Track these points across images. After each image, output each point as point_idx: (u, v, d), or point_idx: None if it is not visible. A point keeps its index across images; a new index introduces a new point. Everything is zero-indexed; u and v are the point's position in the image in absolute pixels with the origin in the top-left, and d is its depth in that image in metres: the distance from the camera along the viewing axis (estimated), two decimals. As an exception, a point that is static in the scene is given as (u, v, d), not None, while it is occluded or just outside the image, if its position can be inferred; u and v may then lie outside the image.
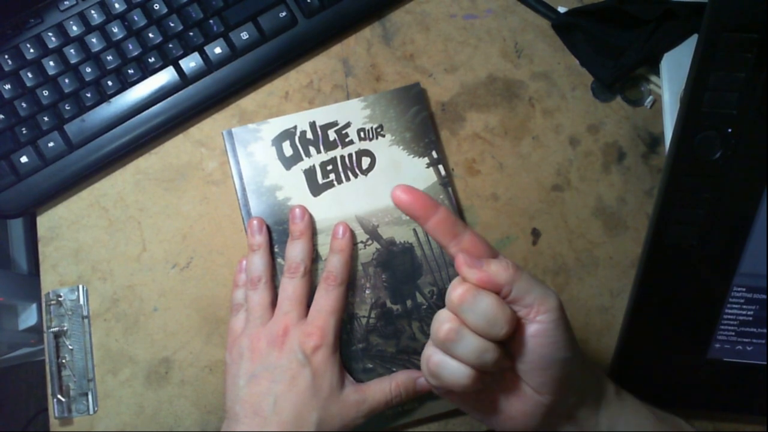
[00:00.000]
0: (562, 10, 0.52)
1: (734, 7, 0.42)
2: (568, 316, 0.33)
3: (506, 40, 0.53)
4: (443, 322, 0.32)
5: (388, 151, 0.49)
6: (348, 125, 0.49)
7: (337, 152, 0.49)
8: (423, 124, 0.49)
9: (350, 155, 0.48)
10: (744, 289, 0.44)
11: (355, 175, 0.48)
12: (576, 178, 0.50)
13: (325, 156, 0.48)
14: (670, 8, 0.49)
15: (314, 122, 0.49)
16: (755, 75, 0.42)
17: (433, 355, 0.33)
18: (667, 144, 0.49)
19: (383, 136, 0.49)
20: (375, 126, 0.49)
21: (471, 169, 0.50)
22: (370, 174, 0.48)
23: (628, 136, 0.51)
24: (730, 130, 0.43)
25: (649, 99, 0.51)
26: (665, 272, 0.45)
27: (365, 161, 0.48)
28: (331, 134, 0.49)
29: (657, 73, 0.51)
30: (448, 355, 0.32)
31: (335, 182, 0.48)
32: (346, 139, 0.49)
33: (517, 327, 0.32)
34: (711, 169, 0.43)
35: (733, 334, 0.44)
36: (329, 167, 0.48)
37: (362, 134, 0.49)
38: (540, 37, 0.53)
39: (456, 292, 0.31)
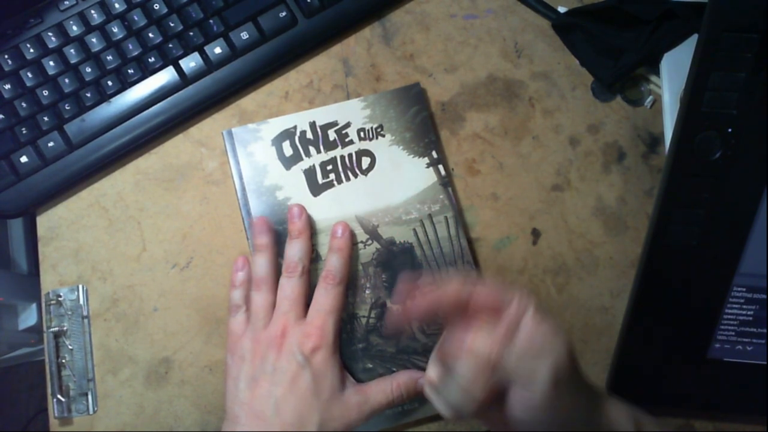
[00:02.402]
0: (562, 10, 0.52)
1: (734, 7, 0.42)
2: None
3: (506, 40, 0.53)
4: (429, 367, 0.35)
5: (388, 151, 0.49)
6: (348, 125, 0.49)
7: (337, 152, 0.49)
8: (423, 124, 0.49)
9: (350, 155, 0.48)
10: (744, 289, 0.44)
11: (355, 175, 0.48)
12: (576, 178, 0.50)
13: (325, 156, 0.48)
14: (670, 8, 0.49)
15: (314, 122, 0.49)
16: (755, 75, 0.42)
17: (424, 383, 0.36)
18: (667, 144, 0.49)
19: (383, 136, 0.49)
20: (375, 126, 0.49)
21: (471, 169, 0.50)
22: (370, 174, 0.48)
23: (628, 136, 0.51)
24: (730, 130, 0.43)
25: (649, 99, 0.51)
26: (665, 272, 0.45)
27: (365, 161, 0.48)
28: (331, 134, 0.49)
29: (657, 73, 0.51)
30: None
31: (335, 182, 0.48)
32: (346, 139, 0.49)
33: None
34: (711, 169, 0.43)
35: (733, 334, 0.44)
36: (329, 167, 0.48)
37: (362, 134, 0.49)
38: (540, 37, 0.53)
39: (429, 373, 0.33)
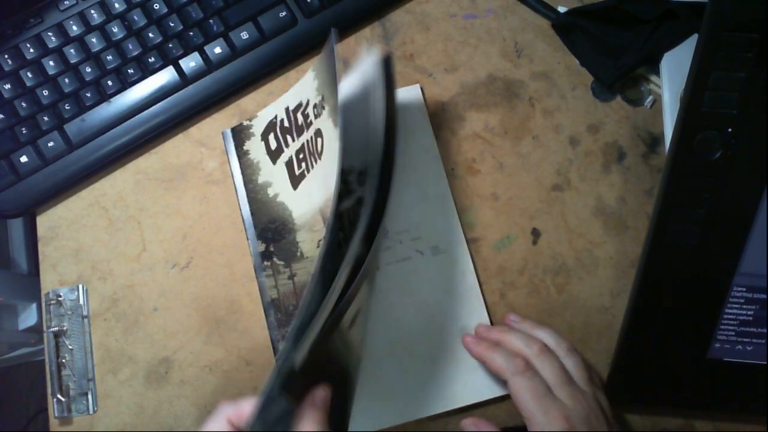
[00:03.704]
0: (562, 10, 0.52)
1: (734, 7, 0.42)
2: None
3: (506, 40, 0.53)
4: None
5: (330, 125, 0.40)
6: (308, 104, 0.42)
7: (305, 137, 0.43)
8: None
9: (311, 138, 0.42)
10: (744, 289, 0.44)
11: (315, 160, 0.41)
12: (576, 178, 0.50)
13: (297, 144, 0.44)
14: (670, 8, 0.49)
15: (288, 107, 0.45)
16: (755, 75, 0.42)
17: None
18: (667, 144, 0.49)
19: (323, 107, 0.40)
20: (320, 99, 0.40)
21: (471, 168, 0.50)
22: (323, 156, 0.40)
23: (628, 136, 0.51)
24: (730, 130, 0.43)
25: (649, 99, 0.51)
26: (665, 272, 0.45)
27: (319, 142, 0.40)
28: (299, 117, 0.43)
29: (657, 73, 0.51)
30: None
31: (306, 171, 0.43)
32: (308, 120, 0.42)
33: None
34: (711, 169, 0.43)
35: (733, 334, 0.44)
36: (300, 155, 0.43)
37: (315, 111, 0.41)
38: (540, 37, 0.53)
39: None
